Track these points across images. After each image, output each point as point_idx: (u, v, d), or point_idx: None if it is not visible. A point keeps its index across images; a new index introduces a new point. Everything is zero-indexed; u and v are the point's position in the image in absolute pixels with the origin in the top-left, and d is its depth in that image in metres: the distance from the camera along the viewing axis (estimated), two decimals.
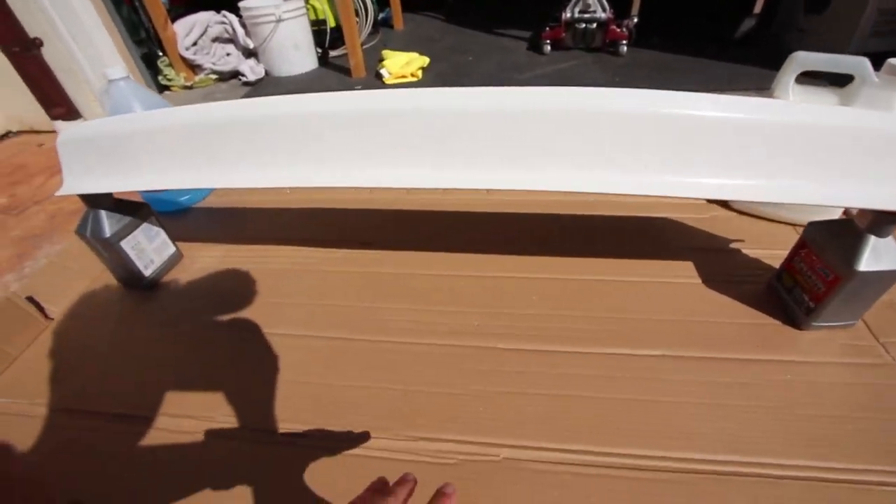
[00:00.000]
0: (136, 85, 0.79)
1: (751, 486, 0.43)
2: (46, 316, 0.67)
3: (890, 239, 0.49)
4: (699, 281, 0.64)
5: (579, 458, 0.46)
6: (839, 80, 0.63)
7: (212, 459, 0.49)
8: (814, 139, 0.43)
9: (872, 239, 0.48)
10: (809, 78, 0.65)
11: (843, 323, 0.56)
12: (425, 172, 0.47)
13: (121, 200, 0.66)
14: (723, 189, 0.45)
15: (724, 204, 0.77)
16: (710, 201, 0.77)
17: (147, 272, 0.69)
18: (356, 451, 0.48)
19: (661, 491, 0.43)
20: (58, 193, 0.60)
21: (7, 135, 1.36)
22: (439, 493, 0.31)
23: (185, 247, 0.76)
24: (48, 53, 1.16)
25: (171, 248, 0.74)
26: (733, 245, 0.69)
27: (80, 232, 0.64)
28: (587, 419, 0.49)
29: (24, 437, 0.53)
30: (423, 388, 0.54)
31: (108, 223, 0.63)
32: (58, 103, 1.21)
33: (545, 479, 0.45)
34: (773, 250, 0.66)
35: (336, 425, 0.51)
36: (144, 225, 0.68)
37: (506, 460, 0.47)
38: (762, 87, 1.18)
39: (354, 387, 0.54)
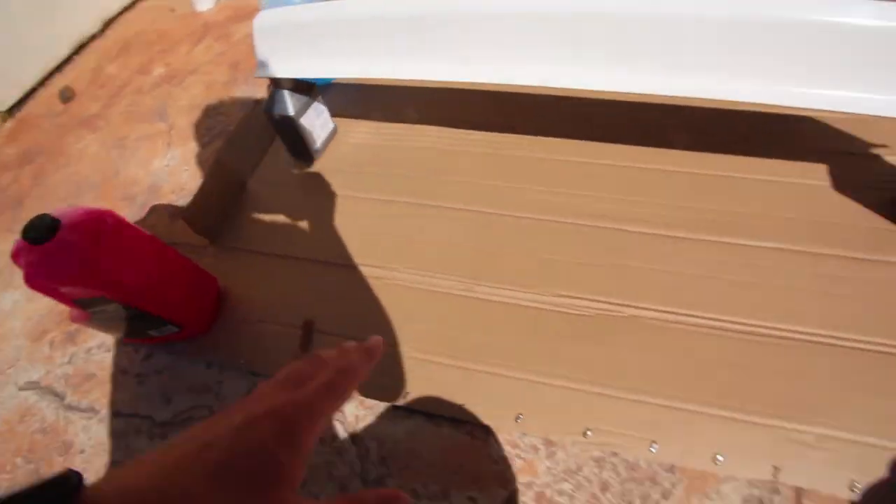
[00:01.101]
0: None
1: (837, 354, 0.54)
2: (242, 180, 0.83)
3: None
4: (828, 184, 0.67)
5: (690, 319, 0.58)
6: None
7: (391, 300, 0.66)
8: None
9: None
10: None
11: None
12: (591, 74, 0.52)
13: (298, 81, 0.75)
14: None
15: None
16: None
17: (316, 145, 0.82)
18: (509, 300, 0.63)
19: (754, 350, 0.55)
20: (256, 75, 0.70)
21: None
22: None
23: (339, 121, 0.87)
24: None
25: (332, 124, 0.85)
26: (874, 150, 0.69)
27: (268, 110, 0.75)
28: (701, 293, 0.60)
29: (252, 270, 0.73)
30: (560, 257, 0.65)
31: (291, 102, 0.74)
32: None
33: (659, 333, 0.58)
34: None
35: (485, 281, 0.65)
36: (315, 103, 0.78)
37: (630, 317, 0.59)
38: None
39: (503, 252, 0.67)
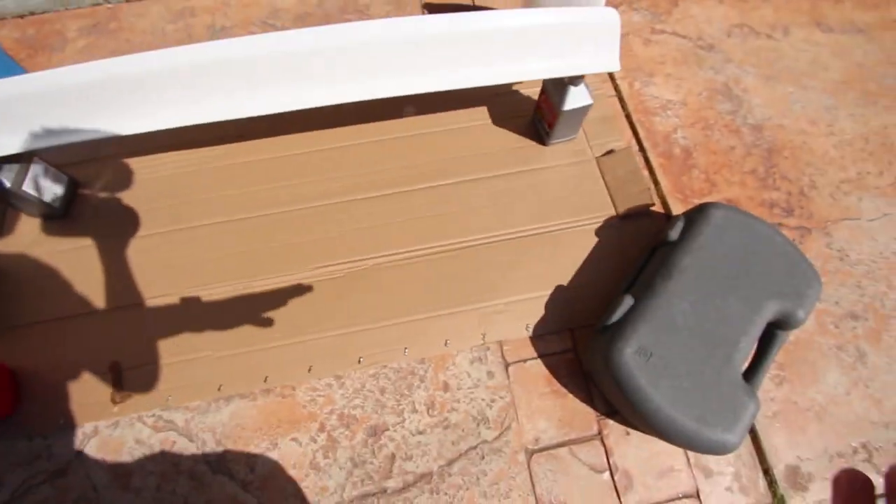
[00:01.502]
0: None
1: (516, 242, 0.80)
2: None
3: (582, 85, 0.77)
4: (489, 121, 0.91)
5: (409, 254, 0.80)
6: None
7: (184, 318, 0.76)
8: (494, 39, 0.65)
9: (571, 88, 0.76)
10: None
11: (569, 137, 0.88)
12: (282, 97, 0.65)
13: None
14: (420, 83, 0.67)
15: None
16: None
17: (56, 203, 0.82)
18: (282, 283, 0.78)
19: (452, 262, 0.80)
20: None
21: None
22: None
23: (77, 170, 0.87)
24: None
25: (64, 177, 0.84)
26: (515, 87, 0.94)
27: None
28: (412, 231, 0.81)
29: (42, 339, 0.76)
30: (311, 237, 0.81)
31: (3, 175, 0.73)
32: None
33: (393, 271, 0.79)
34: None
35: (258, 276, 0.79)
36: (33, 165, 0.77)
37: (372, 266, 0.79)
38: None
39: (267, 247, 0.80)
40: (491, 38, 0.65)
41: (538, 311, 0.77)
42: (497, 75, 0.68)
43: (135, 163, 0.88)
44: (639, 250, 0.79)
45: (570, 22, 0.66)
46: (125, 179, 0.87)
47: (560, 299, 0.78)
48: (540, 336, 0.77)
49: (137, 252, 0.81)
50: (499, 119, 0.91)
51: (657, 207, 0.85)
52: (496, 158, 0.87)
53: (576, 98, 0.77)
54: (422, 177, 0.85)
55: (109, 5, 1.13)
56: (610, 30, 0.68)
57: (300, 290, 0.78)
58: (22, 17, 1.13)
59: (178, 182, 0.86)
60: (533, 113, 0.89)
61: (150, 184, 0.86)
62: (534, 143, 0.89)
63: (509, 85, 0.94)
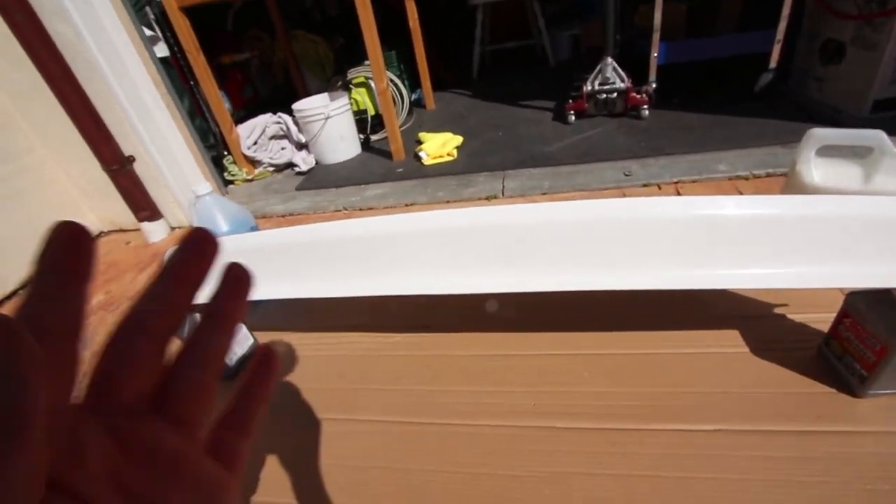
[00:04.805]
0: (218, 197, 0.93)
1: None
2: None
3: None
4: (747, 350, 0.66)
5: None
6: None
7: None
8: (829, 228, 0.47)
9: None
10: (830, 149, 0.69)
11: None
12: (501, 279, 0.54)
13: None
14: (746, 279, 0.49)
15: None
16: None
17: (231, 363, 0.78)
18: None
19: None
20: None
21: (100, 234, 1.57)
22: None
23: (260, 335, 0.85)
24: (138, 167, 1.36)
25: (251, 340, 0.83)
26: (778, 310, 0.71)
27: (178, 333, 0.74)
28: (650, 500, 0.51)
29: None
30: (487, 470, 0.57)
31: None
32: (144, 208, 1.39)
33: None
34: (819, 314, 0.68)
35: None
36: None
37: None
38: (787, 142, 1.22)
39: (426, 471, 0.58)
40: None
41: None
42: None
43: (316, 337, 0.84)
44: None
45: None
46: (303, 352, 0.81)
47: None
48: None
49: (286, 435, 0.67)
50: (761, 347, 0.66)
51: None
52: (772, 404, 0.59)
53: None
54: (655, 413, 0.60)
55: (346, 211, 1.35)
56: None
57: None
58: (284, 216, 1.42)
59: (353, 366, 0.76)
60: (822, 345, 0.63)
61: (323, 362, 0.78)
62: (833, 390, 0.59)
63: (768, 304, 0.71)
